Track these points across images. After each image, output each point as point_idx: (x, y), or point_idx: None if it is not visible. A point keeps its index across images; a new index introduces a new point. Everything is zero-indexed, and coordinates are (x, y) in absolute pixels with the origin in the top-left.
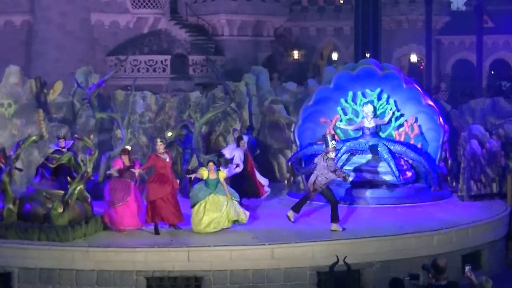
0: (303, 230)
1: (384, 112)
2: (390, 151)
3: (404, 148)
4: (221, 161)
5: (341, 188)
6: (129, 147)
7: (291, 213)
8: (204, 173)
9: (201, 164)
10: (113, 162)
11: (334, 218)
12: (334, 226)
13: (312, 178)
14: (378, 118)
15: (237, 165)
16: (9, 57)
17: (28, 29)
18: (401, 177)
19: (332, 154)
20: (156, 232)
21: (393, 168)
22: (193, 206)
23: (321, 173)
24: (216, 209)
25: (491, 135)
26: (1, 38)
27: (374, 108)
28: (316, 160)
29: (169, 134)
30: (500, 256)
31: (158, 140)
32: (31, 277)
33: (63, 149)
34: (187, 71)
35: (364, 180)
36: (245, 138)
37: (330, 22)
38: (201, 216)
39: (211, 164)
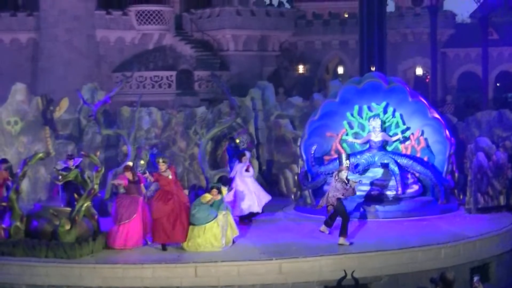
0: (310, 245)
1: (390, 126)
2: (397, 163)
3: (411, 162)
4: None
5: (347, 202)
6: (131, 163)
7: (324, 228)
8: (207, 198)
9: (207, 180)
10: (117, 178)
11: (343, 232)
12: (342, 240)
13: (326, 194)
14: (385, 132)
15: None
16: (15, 75)
17: (34, 47)
18: (401, 192)
19: (344, 174)
20: (164, 248)
21: (398, 181)
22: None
23: (333, 191)
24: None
25: (498, 148)
26: (7, 55)
27: (382, 122)
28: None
29: (141, 162)
30: (508, 268)
31: (161, 159)
32: None
33: (72, 167)
34: (192, 87)
35: (371, 193)
36: (248, 154)
37: (335, 35)
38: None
39: (214, 190)
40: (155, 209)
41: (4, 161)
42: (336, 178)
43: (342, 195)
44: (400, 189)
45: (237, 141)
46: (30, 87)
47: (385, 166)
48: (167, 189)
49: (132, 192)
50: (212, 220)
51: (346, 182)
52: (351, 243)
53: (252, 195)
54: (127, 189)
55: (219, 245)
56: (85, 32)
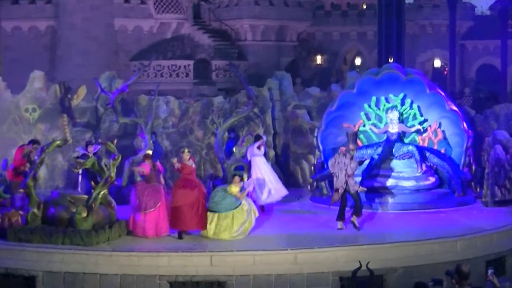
0: (325, 235)
1: (407, 117)
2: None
3: (428, 153)
4: (245, 167)
5: (364, 194)
6: (150, 152)
7: (340, 224)
8: (234, 190)
9: (224, 170)
10: (139, 166)
11: (357, 211)
12: (354, 218)
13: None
14: (402, 124)
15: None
16: (33, 62)
17: (52, 35)
18: (419, 171)
19: (354, 152)
20: (180, 237)
21: (418, 161)
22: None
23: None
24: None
25: None
26: (25, 43)
27: (400, 114)
28: (330, 163)
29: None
30: None
31: (186, 150)
32: (55, 281)
33: (89, 154)
34: (210, 76)
35: (387, 185)
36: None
37: (353, 26)
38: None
39: (236, 178)
40: (179, 197)
41: (34, 142)
42: (350, 158)
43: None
44: (419, 168)
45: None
46: (48, 75)
47: (402, 157)
48: (190, 178)
49: (152, 180)
50: (238, 207)
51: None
52: (359, 229)
53: (267, 186)
54: (147, 177)
55: (241, 231)
56: (103, 20)
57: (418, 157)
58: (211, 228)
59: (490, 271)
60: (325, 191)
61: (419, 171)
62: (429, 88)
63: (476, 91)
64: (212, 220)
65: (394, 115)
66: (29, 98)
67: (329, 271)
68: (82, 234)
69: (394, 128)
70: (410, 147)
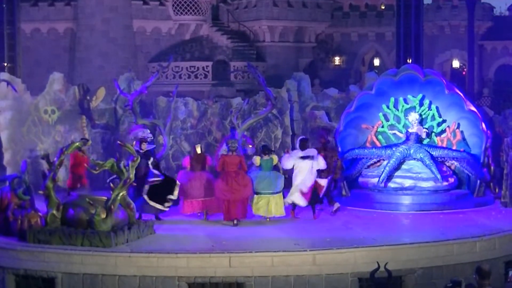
0: (344, 236)
1: (426, 118)
2: (432, 157)
3: (446, 151)
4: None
5: (383, 194)
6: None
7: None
8: (257, 160)
9: None
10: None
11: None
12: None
13: None
14: (421, 126)
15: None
16: (53, 64)
17: (71, 36)
18: (442, 180)
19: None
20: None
21: (435, 172)
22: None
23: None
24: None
25: None
26: (45, 45)
27: (420, 115)
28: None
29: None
30: None
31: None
32: (75, 282)
33: (141, 151)
34: (228, 78)
35: (406, 186)
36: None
37: (371, 27)
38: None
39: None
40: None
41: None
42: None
43: None
44: (440, 177)
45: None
46: (67, 77)
47: (420, 159)
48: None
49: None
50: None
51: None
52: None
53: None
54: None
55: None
56: (122, 22)
57: (435, 169)
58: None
59: (511, 272)
60: (343, 192)
61: (440, 181)
62: (448, 89)
63: (495, 92)
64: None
65: (413, 117)
66: (49, 100)
67: (348, 272)
68: (101, 236)
69: (413, 128)
70: (428, 162)
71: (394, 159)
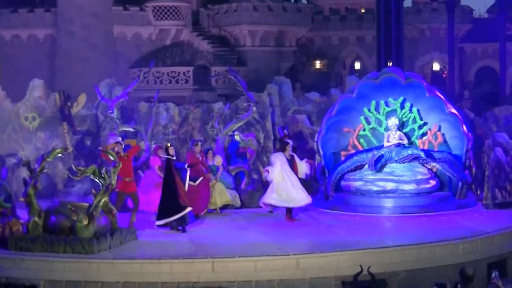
0: (327, 240)
1: (407, 121)
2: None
3: (429, 153)
4: (245, 172)
5: (365, 198)
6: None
7: None
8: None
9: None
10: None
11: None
12: None
13: None
14: (401, 132)
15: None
16: (33, 71)
17: (51, 43)
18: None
19: None
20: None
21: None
22: None
23: None
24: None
25: None
26: (24, 52)
27: (399, 120)
28: None
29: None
30: None
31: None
32: None
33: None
34: (209, 82)
35: (388, 189)
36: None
37: (352, 31)
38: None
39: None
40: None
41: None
42: None
43: None
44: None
45: (236, 138)
46: (47, 83)
47: (402, 161)
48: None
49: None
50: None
51: None
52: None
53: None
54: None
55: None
56: (102, 28)
57: (424, 156)
58: None
59: (494, 274)
60: (326, 196)
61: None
62: (429, 92)
63: (475, 94)
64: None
65: (392, 121)
66: (29, 107)
67: (331, 276)
68: (84, 242)
69: (395, 137)
70: (414, 151)
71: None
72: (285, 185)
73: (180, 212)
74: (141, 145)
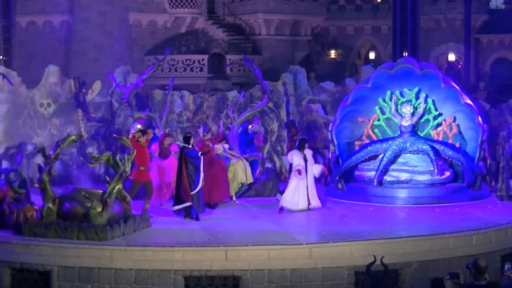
0: (340, 230)
1: (423, 111)
2: (432, 148)
3: (443, 147)
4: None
5: (379, 188)
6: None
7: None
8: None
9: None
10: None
11: None
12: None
13: None
14: (414, 119)
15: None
16: (48, 57)
17: (67, 29)
18: (437, 175)
19: None
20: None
21: (434, 165)
22: None
23: None
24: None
25: None
26: (40, 38)
27: (414, 108)
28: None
29: None
30: None
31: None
32: (71, 276)
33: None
34: (224, 71)
35: (402, 179)
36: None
37: (367, 21)
38: None
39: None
40: None
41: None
42: None
43: None
44: (436, 170)
45: (250, 126)
46: (63, 70)
47: (416, 152)
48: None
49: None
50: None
51: None
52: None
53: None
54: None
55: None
56: (118, 15)
57: (433, 157)
58: None
59: (507, 266)
60: (340, 186)
61: (436, 174)
62: (444, 82)
63: (491, 85)
64: None
65: (407, 109)
66: (44, 93)
67: (344, 266)
68: (97, 229)
69: (407, 122)
70: (425, 146)
71: (390, 152)
72: (302, 184)
73: (179, 204)
74: (156, 132)
